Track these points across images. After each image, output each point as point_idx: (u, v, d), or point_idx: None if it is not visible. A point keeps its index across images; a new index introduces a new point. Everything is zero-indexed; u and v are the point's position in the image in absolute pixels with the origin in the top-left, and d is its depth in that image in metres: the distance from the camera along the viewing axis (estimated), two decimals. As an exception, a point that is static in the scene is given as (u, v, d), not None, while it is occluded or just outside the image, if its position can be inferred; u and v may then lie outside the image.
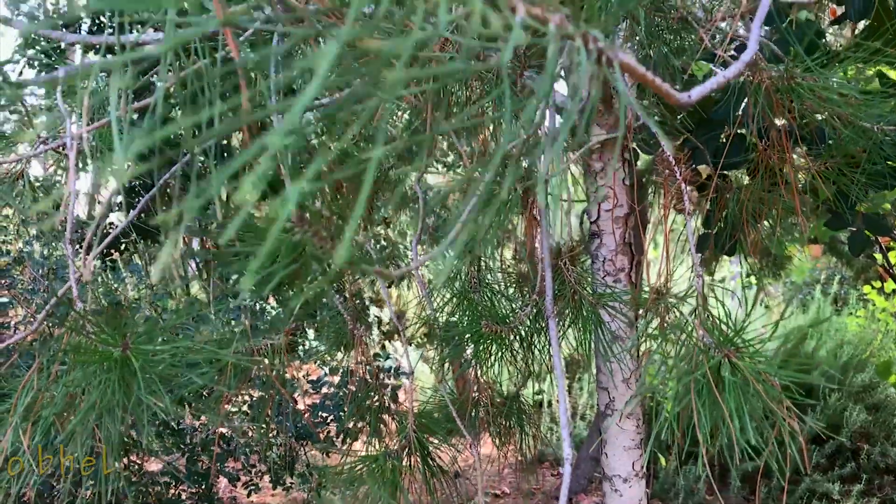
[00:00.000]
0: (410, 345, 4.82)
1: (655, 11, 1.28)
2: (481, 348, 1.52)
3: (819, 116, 1.51)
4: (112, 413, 1.28)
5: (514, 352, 1.60)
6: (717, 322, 1.20)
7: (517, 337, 1.59)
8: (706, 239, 2.36)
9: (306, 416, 2.99)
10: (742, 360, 1.16)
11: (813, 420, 3.84)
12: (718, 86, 0.86)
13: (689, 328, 1.18)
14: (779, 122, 1.58)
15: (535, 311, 1.53)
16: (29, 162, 1.78)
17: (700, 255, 3.07)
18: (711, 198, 2.02)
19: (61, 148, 1.65)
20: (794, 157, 1.67)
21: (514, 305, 1.67)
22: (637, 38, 1.31)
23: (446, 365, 1.80)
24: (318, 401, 3.12)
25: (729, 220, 1.98)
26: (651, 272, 1.63)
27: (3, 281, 3.59)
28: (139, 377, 1.26)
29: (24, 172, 1.84)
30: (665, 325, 1.35)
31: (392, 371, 3.00)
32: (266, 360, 1.61)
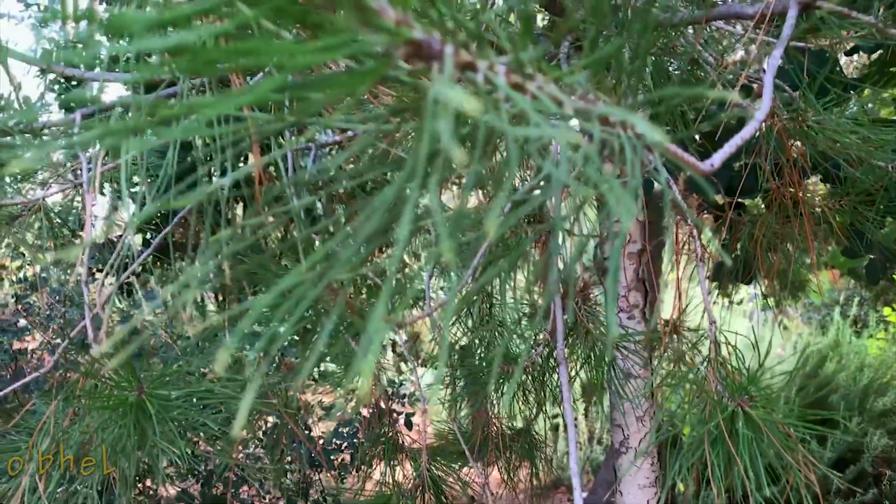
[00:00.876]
0: (425, 366, 4.81)
1: (666, 55, 1.28)
2: (493, 388, 1.52)
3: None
4: (128, 456, 1.29)
5: (528, 391, 1.60)
6: (731, 369, 1.19)
7: (529, 376, 1.58)
8: (722, 267, 2.34)
9: (320, 443, 2.99)
10: (756, 409, 1.14)
11: (833, 445, 3.79)
12: (736, 147, 0.86)
13: (702, 376, 1.17)
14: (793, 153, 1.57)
15: (546, 350, 1.53)
16: (45, 197, 1.80)
17: (715, 285, 3.05)
18: (727, 226, 2.01)
19: (77, 173, 1.67)
20: (809, 193, 1.66)
21: (526, 336, 1.67)
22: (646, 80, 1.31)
23: (457, 395, 1.80)
24: (333, 426, 3.12)
25: (744, 249, 1.96)
26: (666, 295, 1.63)
27: (19, 307, 3.63)
28: (154, 423, 1.26)
29: (41, 206, 1.87)
30: (678, 369, 1.34)
31: (406, 398, 3.00)
32: (278, 399, 1.62)
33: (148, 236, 3.38)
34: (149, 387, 1.33)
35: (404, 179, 0.35)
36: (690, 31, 1.30)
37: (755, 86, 1.55)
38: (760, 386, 1.19)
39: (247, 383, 1.57)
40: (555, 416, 4.48)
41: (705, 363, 1.20)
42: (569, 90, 0.49)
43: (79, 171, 1.67)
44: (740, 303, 5.03)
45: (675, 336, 1.65)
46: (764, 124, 1.41)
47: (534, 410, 1.76)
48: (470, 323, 1.67)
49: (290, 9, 0.31)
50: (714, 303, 3.36)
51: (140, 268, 4.19)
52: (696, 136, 2.34)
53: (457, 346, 1.75)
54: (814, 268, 1.86)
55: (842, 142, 1.27)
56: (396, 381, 3.49)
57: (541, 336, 1.58)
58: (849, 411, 3.92)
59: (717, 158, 0.80)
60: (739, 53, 1.31)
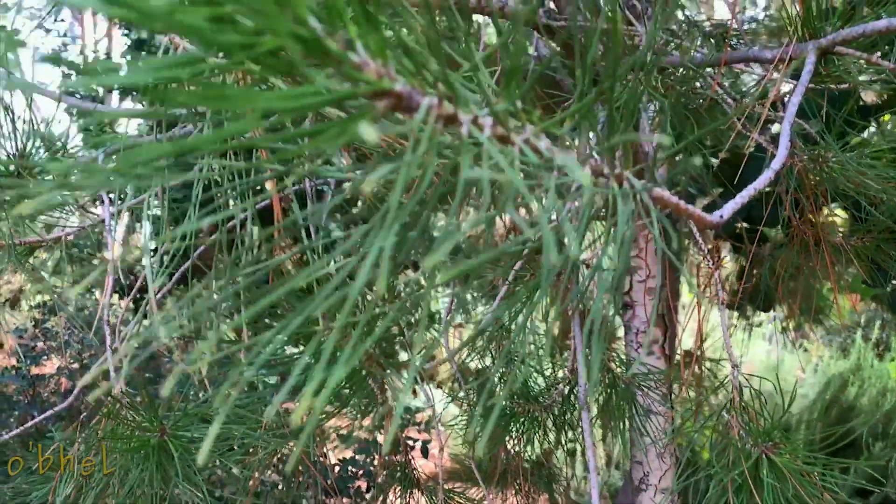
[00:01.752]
0: (440, 388, 4.79)
1: (684, 97, 1.28)
2: (512, 428, 1.51)
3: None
4: (149, 500, 1.29)
5: (548, 429, 1.59)
6: (754, 412, 1.18)
7: (550, 414, 1.57)
8: (741, 295, 2.32)
9: (336, 471, 2.99)
10: (781, 456, 1.13)
11: (856, 471, 3.72)
12: (750, 197, 0.85)
13: (725, 422, 1.16)
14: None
15: (567, 389, 1.52)
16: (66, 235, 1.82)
17: (736, 315, 3.02)
18: (749, 259, 2.00)
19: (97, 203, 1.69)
20: (830, 229, 1.65)
21: (548, 370, 1.66)
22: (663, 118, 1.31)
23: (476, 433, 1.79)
24: (348, 455, 3.11)
25: (765, 281, 1.95)
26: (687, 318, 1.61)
27: (38, 331, 3.66)
28: (177, 465, 1.26)
29: (61, 240, 1.88)
30: (700, 412, 1.33)
31: (423, 425, 2.99)
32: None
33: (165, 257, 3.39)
34: (171, 427, 1.34)
35: (362, 233, 0.35)
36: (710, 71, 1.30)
37: (775, 124, 1.55)
38: (784, 431, 1.18)
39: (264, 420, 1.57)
40: (571, 441, 4.45)
41: (727, 407, 1.19)
42: (560, 141, 0.49)
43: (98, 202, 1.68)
44: (759, 325, 4.98)
45: (695, 371, 1.63)
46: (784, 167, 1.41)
47: (552, 444, 1.75)
48: (488, 360, 1.66)
49: (275, 61, 0.31)
50: (733, 325, 3.33)
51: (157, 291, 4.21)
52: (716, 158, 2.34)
53: (474, 379, 1.74)
54: (834, 293, 1.84)
55: (862, 182, 1.26)
56: (412, 406, 3.48)
57: (560, 373, 1.57)
58: (872, 436, 3.86)
59: (727, 210, 0.80)
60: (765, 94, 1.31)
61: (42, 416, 1.59)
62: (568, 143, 0.44)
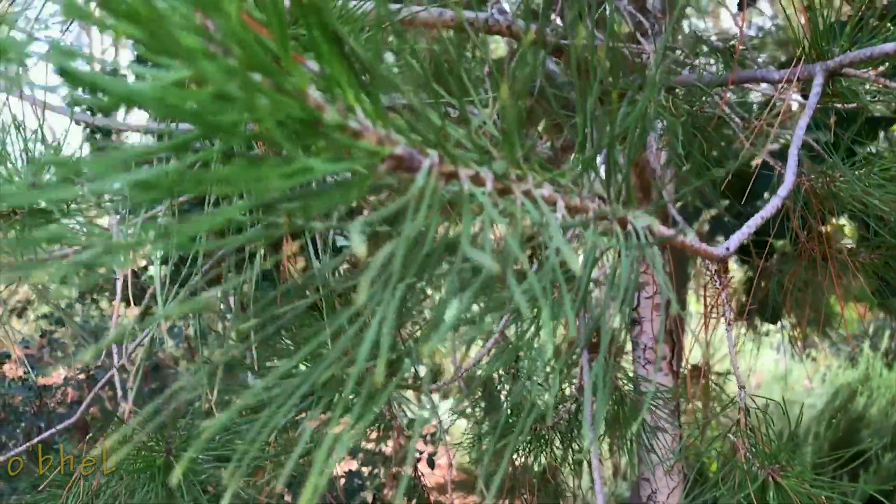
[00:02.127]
0: (447, 398, 4.80)
1: (692, 115, 1.28)
2: (519, 446, 1.50)
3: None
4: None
5: (555, 447, 1.58)
6: (761, 435, 1.17)
7: (557, 433, 1.57)
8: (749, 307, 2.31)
9: (342, 482, 2.98)
10: (787, 478, 1.12)
11: (865, 482, 3.69)
12: (756, 227, 0.85)
13: (730, 444, 1.15)
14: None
15: (575, 407, 1.51)
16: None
17: (744, 325, 3.00)
18: (758, 273, 1.99)
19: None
20: (838, 240, 1.64)
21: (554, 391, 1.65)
22: (673, 138, 1.31)
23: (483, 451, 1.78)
24: (354, 467, 3.11)
25: (773, 295, 1.94)
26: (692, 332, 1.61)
27: (44, 341, 3.67)
28: (182, 487, 1.26)
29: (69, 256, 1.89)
30: (707, 431, 1.32)
31: (429, 437, 2.98)
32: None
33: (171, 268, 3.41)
34: (176, 447, 1.34)
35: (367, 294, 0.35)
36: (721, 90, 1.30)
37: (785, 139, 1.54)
38: (792, 442, 1.17)
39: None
40: (579, 451, 4.43)
41: (734, 429, 1.17)
42: (563, 189, 0.49)
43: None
44: (767, 334, 4.94)
45: (702, 388, 1.63)
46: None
47: (559, 462, 1.74)
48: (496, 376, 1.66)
49: (277, 132, 0.31)
50: (741, 336, 3.31)
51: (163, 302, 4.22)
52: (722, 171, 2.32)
53: (480, 398, 1.74)
54: (841, 307, 1.83)
55: (869, 203, 1.25)
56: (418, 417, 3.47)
57: (567, 391, 1.56)
58: (881, 448, 3.83)
59: (734, 242, 0.79)
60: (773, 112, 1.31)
61: (47, 433, 1.59)
62: (571, 187, 0.44)
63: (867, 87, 1.08)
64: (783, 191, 0.88)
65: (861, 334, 5.16)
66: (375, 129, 0.33)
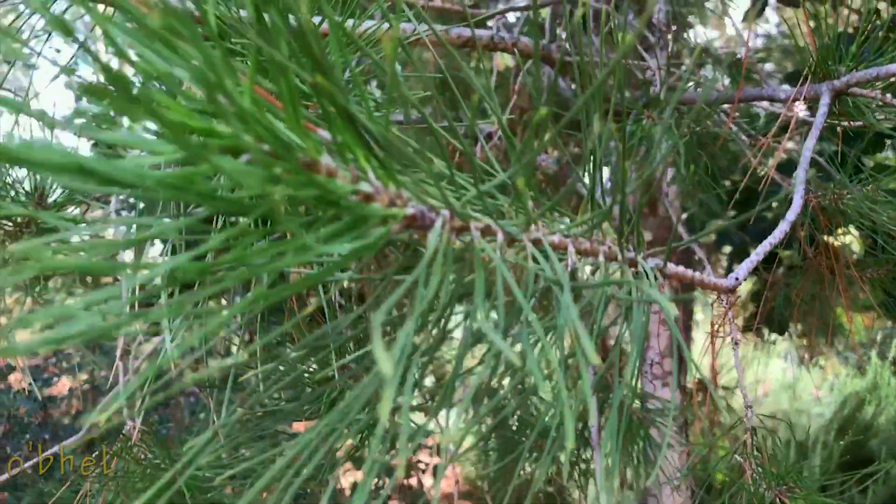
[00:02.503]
0: (452, 407, 4.78)
1: (697, 136, 1.27)
2: (524, 461, 1.50)
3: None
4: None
5: (560, 464, 1.57)
6: (768, 456, 1.16)
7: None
8: (757, 317, 2.30)
9: (347, 495, 2.98)
10: (795, 501, 1.11)
11: (874, 493, 3.67)
12: (765, 253, 0.84)
13: (737, 464, 1.14)
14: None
15: (581, 425, 1.51)
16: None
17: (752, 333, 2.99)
18: (768, 285, 1.98)
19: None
20: (846, 255, 1.63)
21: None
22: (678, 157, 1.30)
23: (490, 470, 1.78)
24: (359, 478, 3.10)
25: (779, 307, 1.93)
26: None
27: (48, 351, 3.68)
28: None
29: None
30: (715, 450, 1.31)
31: (433, 449, 2.98)
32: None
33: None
34: (181, 466, 1.33)
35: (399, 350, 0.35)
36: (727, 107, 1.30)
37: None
38: (798, 474, 1.16)
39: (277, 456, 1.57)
40: (585, 461, 4.41)
41: (740, 450, 1.17)
42: (572, 238, 0.49)
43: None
44: (774, 343, 4.92)
45: (708, 404, 1.62)
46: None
47: (565, 478, 1.74)
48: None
49: (289, 219, 0.31)
50: (748, 345, 3.30)
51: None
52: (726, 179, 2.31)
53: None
54: (849, 321, 1.82)
55: (877, 220, 1.25)
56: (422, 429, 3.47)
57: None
58: (891, 456, 3.81)
59: (742, 272, 0.79)
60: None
61: (50, 451, 1.59)
62: (582, 234, 0.44)
63: (873, 106, 1.07)
64: (791, 215, 0.88)
65: (868, 343, 5.14)
66: (387, 191, 0.33)
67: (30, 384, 3.27)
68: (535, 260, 0.40)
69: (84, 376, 3.52)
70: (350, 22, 0.88)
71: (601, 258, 0.46)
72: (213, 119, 0.29)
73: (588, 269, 0.49)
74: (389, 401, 0.23)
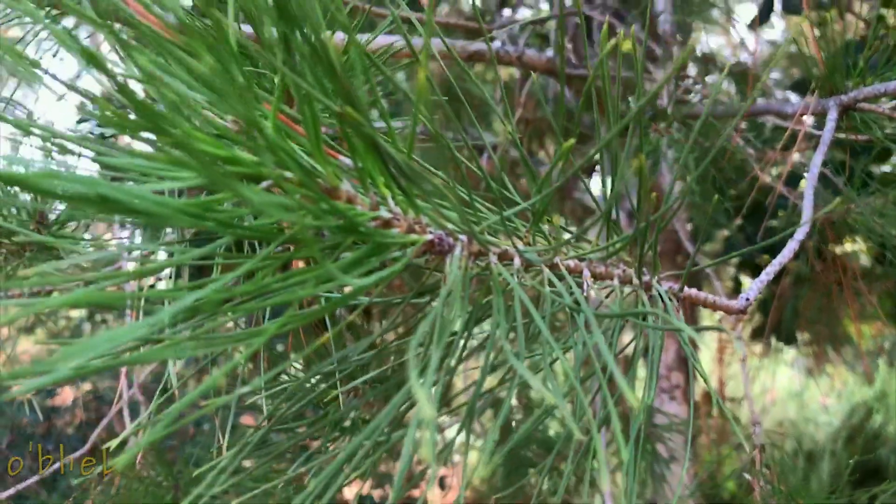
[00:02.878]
0: (456, 416, 4.77)
1: (706, 151, 1.27)
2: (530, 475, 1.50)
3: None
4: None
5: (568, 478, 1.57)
6: (776, 473, 1.15)
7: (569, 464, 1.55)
8: (765, 328, 2.30)
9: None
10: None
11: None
12: (774, 273, 0.84)
13: (746, 482, 1.13)
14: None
15: (588, 440, 1.50)
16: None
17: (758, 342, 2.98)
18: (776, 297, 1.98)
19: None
20: (853, 265, 1.63)
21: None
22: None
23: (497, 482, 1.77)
24: (365, 490, 3.09)
25: (787, 321, 1.93)
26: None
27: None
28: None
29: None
30: (722, 467, 1.30)
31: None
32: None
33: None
34: (184, 484, 1.33)
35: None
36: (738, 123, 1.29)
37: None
38: (808, 489, 1.15)
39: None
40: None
41: (749, 468, 1.16)
42: (589, 262, 0.49)
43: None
44: (781, 350, 4.88)
45: (716, 418, 1.61)
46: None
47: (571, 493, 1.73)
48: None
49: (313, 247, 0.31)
50: (755, 355, 3.28)
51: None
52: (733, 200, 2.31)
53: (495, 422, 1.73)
54: (858, 336, 1.82)
55: (885, 233, 1.24)
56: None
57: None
58: (897, 465, 3.78)
59: (752, 292, 0.78)
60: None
61: (56, 465, 1.58)
62: (598, 258, 0.44)
63: (881, 122, 1.07)
64: (800, 234, 0.88)
65: (877, 351, 5.10)
66: (406, 217, 0.33)
67: (34, 394, 3.26)
68: (550, 283, 0.39)
69: (87, 386, 3.52)
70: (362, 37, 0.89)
71: (616, 282, 0.45)
72: (233, 145, 0.29)
73: (602, 292, 0.49)
74: (432, 443, 0.23)
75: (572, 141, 0.32)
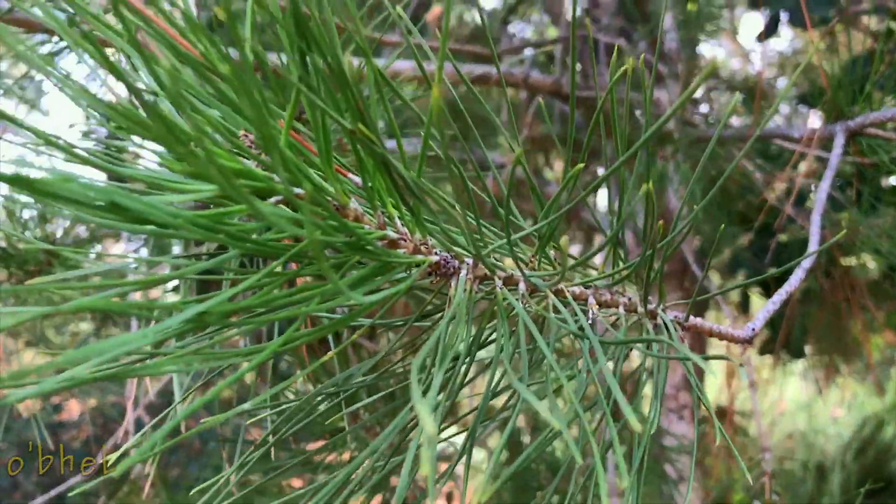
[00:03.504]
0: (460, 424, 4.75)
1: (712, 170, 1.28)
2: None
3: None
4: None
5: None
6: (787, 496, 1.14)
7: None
8: (774, 341, 2.28)
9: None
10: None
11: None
12: (781, 301, 0.84)
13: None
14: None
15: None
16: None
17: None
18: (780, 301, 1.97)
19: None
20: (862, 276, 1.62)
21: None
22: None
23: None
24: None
25: (796, 338, 1.92)
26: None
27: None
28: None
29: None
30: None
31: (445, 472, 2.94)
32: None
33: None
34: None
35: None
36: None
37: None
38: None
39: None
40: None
41: (759, 496, 1.15)
42: (594, 289, 0.49)
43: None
44: (790, 361, 4.81)
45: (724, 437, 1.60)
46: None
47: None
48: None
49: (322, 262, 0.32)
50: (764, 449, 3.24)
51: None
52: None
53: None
54: (868, 352, 1.81)
55: (892, 256, 1.24)
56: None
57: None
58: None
59: (759, 322, 0.78)
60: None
61: (63, 485, 1.58)
62: (604, 285, 0.44)
63: (888, 147, 1.07)
64: (807, 263, 0.88)
65: (886, 361, 5.03)
66: (413, 237, 0.34)
67: (41, 409, 3.26)
68: (555, 309, 0.40)
69: (93, 402, 3.52)
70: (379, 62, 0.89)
71: (621, 310, 0.45)
72: (246, 160, 0.29)
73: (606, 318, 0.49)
74: (433, 462, 0.23)
75: (580, 166, 0.32)
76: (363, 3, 0.93)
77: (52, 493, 1.41)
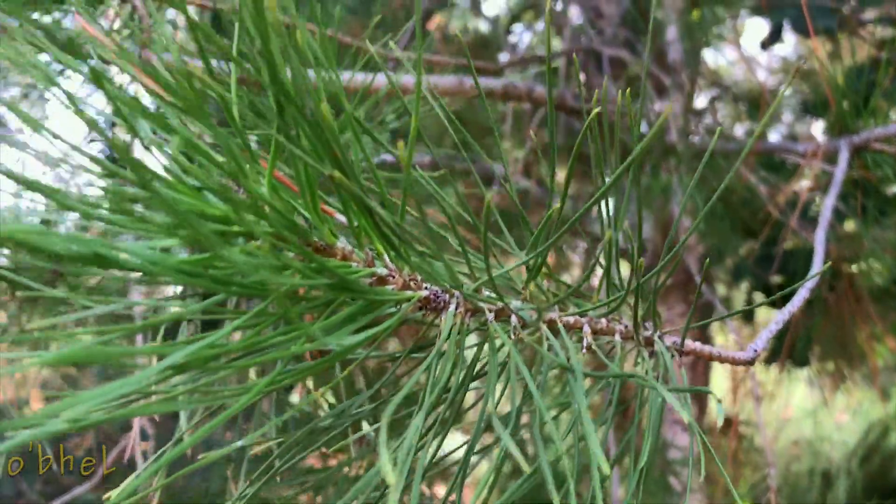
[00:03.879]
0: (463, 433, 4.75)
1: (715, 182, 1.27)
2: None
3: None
4: None
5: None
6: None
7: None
8: (780, 351, 2.27)
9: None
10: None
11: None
12: (784, 322, 0.83)
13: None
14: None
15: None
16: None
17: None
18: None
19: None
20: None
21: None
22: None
23: None
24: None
25: (801, 349, 1.91)
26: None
27: (64, 383, 3.69)
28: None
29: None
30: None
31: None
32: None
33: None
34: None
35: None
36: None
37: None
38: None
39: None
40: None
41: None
42: (588, 319, 0.48)
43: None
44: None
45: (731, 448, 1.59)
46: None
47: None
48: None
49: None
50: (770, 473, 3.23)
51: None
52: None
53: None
54: (873, 364, 1.79)
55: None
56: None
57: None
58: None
59: (761, 343, 0.78)
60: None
61: (68, 496, 1.58)
62: (598, 314, 0.43)
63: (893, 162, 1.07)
64: (811, 283, 0.87)
65: (892, 367, 4.98)
66: (402, 274, 0.33)
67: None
68: (549, 339, 0.39)
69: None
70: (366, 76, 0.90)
71: (618, 337, 0.45)
72: (227, 203, 0.29)
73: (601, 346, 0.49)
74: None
75: (558, 207, 0.32)
76: (367, 20, 0.93)
77: (57, 502, 1.41)
